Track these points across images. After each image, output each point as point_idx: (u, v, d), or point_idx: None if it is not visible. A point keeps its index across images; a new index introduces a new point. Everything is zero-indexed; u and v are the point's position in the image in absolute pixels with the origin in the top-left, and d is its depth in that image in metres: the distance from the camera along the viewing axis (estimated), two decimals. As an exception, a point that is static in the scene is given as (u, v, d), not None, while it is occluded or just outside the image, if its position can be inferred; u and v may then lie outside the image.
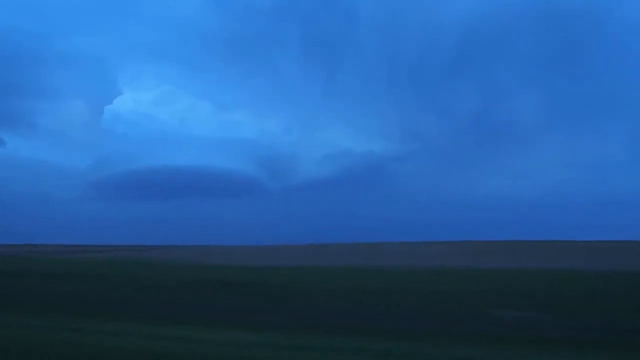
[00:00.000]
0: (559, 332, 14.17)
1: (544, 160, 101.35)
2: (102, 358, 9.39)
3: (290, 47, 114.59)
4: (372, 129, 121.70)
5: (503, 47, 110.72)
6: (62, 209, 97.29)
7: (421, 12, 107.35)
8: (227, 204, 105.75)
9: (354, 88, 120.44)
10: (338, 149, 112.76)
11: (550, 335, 13.88)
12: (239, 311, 20.22)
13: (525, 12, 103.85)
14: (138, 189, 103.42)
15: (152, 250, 73.64)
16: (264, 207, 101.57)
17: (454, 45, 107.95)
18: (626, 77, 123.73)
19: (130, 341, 11.79)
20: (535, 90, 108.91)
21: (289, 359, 10.42)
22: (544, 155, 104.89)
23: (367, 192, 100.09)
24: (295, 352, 11.08)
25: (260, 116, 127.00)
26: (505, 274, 35.89)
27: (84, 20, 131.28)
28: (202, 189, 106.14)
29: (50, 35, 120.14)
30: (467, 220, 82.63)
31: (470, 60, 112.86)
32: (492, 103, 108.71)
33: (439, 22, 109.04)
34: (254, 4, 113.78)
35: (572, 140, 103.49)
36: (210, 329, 15.06)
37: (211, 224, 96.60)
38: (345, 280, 31.19)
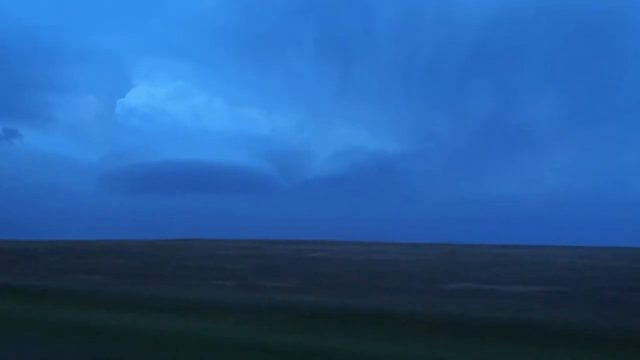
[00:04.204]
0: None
1: (559, 163, 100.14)
2: None
3: (305, 45, 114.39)
4: (385, 128, 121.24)
5: (520, 48, 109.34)
6: (77, 202, 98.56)
7: (437, 11, 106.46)
8: (238, 199, 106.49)
9: (368, 86, 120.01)
10: (350, 147, 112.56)
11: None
12: None
13: (542, 13, 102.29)
14: (151, 183, 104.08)
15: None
16: (275, 203, 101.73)
17: (470, 45, 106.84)
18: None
19: None
20: (552, 93, 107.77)
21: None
22: (560, 158, 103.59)
23: (378, 191, 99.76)
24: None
25: (273, 113, 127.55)
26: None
27: (99, 15, 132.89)
28: (214, 184, 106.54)
29: (66, 30, 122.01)
30: (477, 222, 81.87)
31: (487, 61, 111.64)
32: (507, 104, 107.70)
33: (456, 22, 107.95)
34: (271, 2, 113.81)
35: (590, 143, 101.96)
36: None
37: (223, 218, 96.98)
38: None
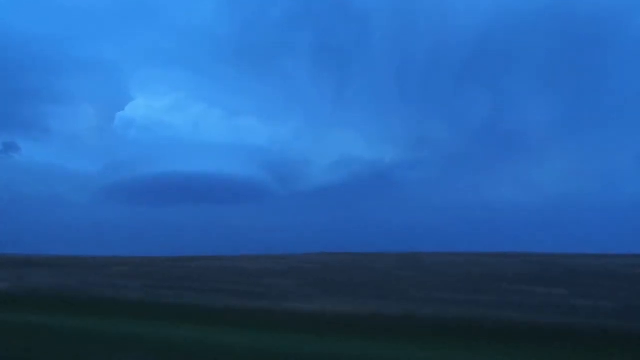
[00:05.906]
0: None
1: (555, 168, 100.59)
2: None
3: (302, 55, 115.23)
4: (381, 136, 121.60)
5: (514, 55, 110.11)
6: (75, 214, 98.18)
7: (432, 19, 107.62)
8: (237, 210, 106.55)
9: (364, 95, 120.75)
10: (348, 156, 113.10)
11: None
12: None
13: (536, 20, 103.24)
14: (150, 195, 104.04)
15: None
16: (273, 213, 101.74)
17: (464, 53, 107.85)
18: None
19: None
20: (546, 98, 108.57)
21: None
22: (556, 163, 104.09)
23: (376, 200, 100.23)
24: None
25: (271, 123, 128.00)
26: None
27: (97, 27, 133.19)
28: (213, 195, 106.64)
29: (64, 41, 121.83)
30: (475, 230, 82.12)
31: (481, 68, 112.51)
32: (502, 111, 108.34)
33: (450, 29, 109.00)
34: (267, 13, 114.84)
35: (584, 148, 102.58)
36: None
37: (224, 230, 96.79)
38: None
